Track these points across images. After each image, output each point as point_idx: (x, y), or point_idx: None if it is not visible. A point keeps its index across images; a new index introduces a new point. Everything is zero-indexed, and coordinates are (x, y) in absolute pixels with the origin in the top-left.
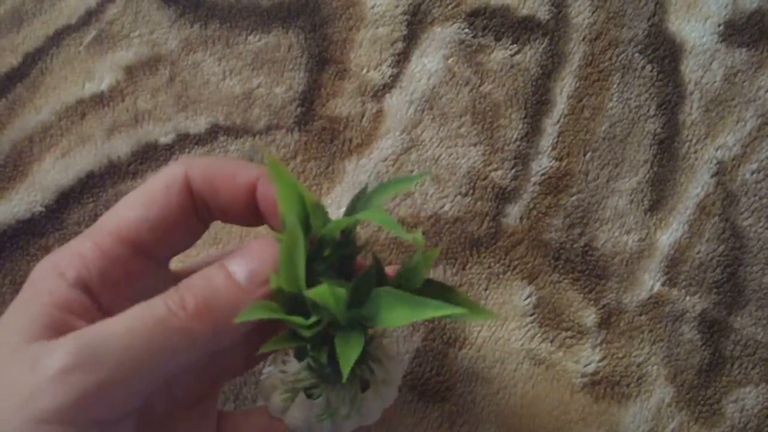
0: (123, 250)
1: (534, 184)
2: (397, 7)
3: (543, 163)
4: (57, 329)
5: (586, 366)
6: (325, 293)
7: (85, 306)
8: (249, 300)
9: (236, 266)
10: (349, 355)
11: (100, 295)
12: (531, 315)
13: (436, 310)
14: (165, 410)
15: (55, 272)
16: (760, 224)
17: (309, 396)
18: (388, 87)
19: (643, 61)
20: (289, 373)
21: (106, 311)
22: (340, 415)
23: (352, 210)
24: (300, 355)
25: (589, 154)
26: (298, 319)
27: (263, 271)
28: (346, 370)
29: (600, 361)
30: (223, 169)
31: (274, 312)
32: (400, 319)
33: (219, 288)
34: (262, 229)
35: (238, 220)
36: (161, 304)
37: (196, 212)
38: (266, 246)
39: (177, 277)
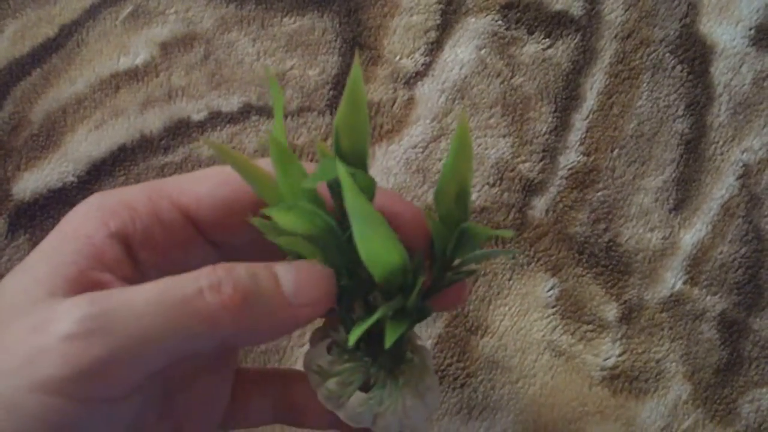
0: (177, 216)
1: (561, 177)
2: None
3: (570, 158)
4: (80, 282)
5: (605, 360)
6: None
7: (118, 260)
8: (290, 315)
9: (286, 273)
10: (396, 328)
11: (139, 253)
12: (553, 307)
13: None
14: (179, 375)
15: (97, 217)
16: None
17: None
18: (420, 75)
19: (673, 62)
20: (336, 360)
21: (142, 272)
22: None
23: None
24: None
25: (616, 150)
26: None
27: (314, 297)
28: (390, 339)
29: (619, 355)
30: None
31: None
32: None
33: (263, 289)
34: None
35: None
36: (192, 281)
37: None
38: (325, 276)
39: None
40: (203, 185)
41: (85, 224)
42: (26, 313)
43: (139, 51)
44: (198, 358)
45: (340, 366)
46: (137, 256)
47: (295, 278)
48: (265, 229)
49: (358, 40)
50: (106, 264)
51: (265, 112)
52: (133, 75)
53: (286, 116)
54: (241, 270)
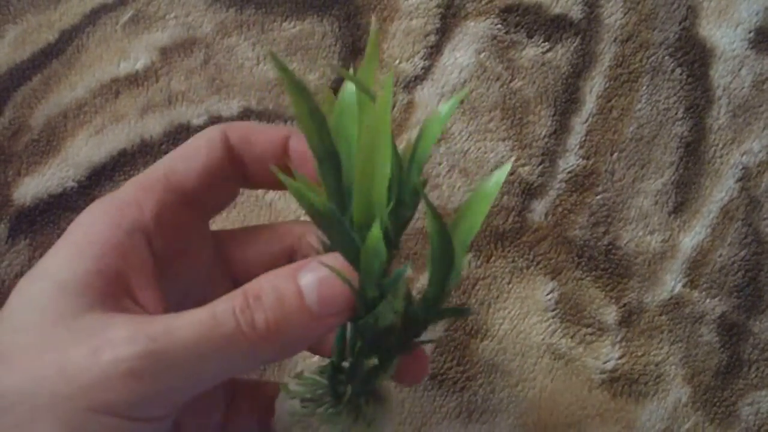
0: (172, 197)
1: (560, 181)
2: (431, 0)
3: (570, 161)
4: (112, 292)
5: (605, 363)
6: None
7: (140, 256)
8: (317, 327)
9: (309, 285)
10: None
11: (156, 242)
12: (553, 310)
13: None
14: None
15: (107, 220)
16: None
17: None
18: (419, 79)
19: (673, 65)
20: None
21: (159, 259)
22: None
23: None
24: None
25: (616, 154)
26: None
27: (336, 308)
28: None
29: (619, 358)
30: (258, 127)
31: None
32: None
33: (291, 311)
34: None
35: (269, 181)
36: (230, 317)
37: (232, 169)
38: (345, 285)
39: (217, 238)
40: (181, 162)
41: (98, 228)
42: (72, 329)
43: (139, 56)
44: None
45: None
46: (154, 245)
47: (319, 291)
48: (285, 180)
49: (357, 44)
50: (132, 265)
51: (265, 116)
52: (134, 80)
53: (285, 121)
54: (267, 294)
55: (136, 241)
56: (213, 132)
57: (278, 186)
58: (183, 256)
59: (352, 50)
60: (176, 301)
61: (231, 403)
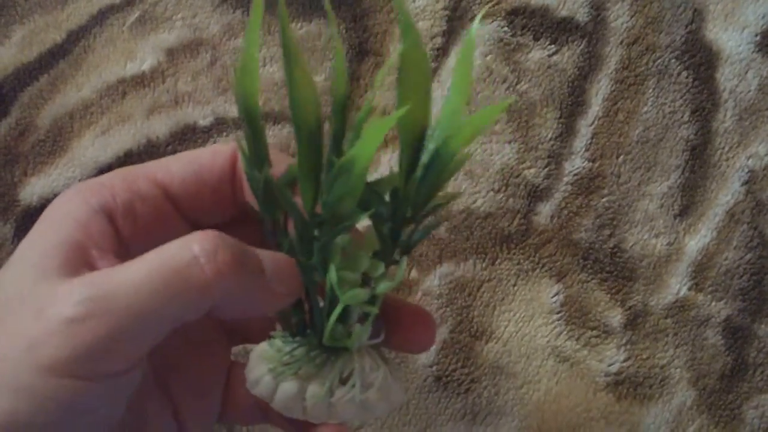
0: (154, 191)
1: (566, 183)
2: (437, 2)
3: (576, 164)
4: (72, 261)
5: (610, 365)
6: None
7: (104, 234)
8: (269, 296)
9: (266, 259)
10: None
11: (123, 227)
12: (558, 313)
13: None
14: (172, 357)
15: (78, 198)
16: None
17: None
18: None
19: (679, 68)
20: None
21: (126, 246)
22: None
23: None
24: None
25: (621, 156)
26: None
27: (289, 285)
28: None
29: (624, 361)
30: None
31: None
32: None
33: (251, 265)
34: None
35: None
36: (186, 250)
37: (233, 189)
38: (297, 270)
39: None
40: (176, 163)
41: (67, 207)
42: (26, 298)
43: (145, 57)
44: (189, 340)
45: (285, 355)
46: (121, 230)
47: (274, 266)
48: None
49: (364, 46)
50: (93, 239)
51: (271, 117)
52: (140, 81)
53: (291, 121)
54: (233, 240)
55: (100, 218)
56: (224, 146)
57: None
58: (153, 244)
59: (359, 52)
60: None
61: (232, 386)
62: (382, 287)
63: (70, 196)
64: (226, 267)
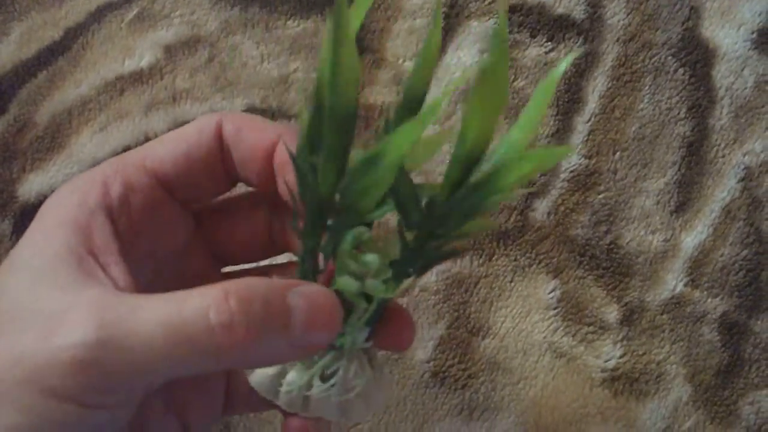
0: (146, 180)
1: (563, 180)
2: None
3: (572, 160)
4: (81, 270)
5: (606, 361)
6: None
7: (105, 234)
8: (294, 352)
9: (298, 307)
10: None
11: (119, 222)
12: (554, 309)
13: None
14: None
15: (75, 199)
16: None
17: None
18: None
19: (675, 65)
20: None
21: (123, 240)
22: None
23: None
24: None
25: (618, 153)
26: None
27: (321, 336)
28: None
29: (620, 357)
30: (252, 123)
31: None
32: None
33: (275, 328)
34: None
35: (252, 179)
36: (202, 315)
37: (223, 161)
38: (335, 309)
39: (199, 220)
40: (163, 146)
41: (65, 209)
42: (34, 312)
43: (143, 54)
44: None
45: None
46: (117, 225)
47: (307, 316)
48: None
49: (361, 44)
50: (97, 242)
51: (269, 114)
52: (138, 77)
53: (289, 118)
54: (256, 306)
55: (100, 221)
56: (207, 119)
57: (261, 187)
58: (154, 235)
59: (357, 49)
60: (148, 278)
61: (229, 373)
62: (372, 286)
63: (66, 195)
64: (242, 341)
